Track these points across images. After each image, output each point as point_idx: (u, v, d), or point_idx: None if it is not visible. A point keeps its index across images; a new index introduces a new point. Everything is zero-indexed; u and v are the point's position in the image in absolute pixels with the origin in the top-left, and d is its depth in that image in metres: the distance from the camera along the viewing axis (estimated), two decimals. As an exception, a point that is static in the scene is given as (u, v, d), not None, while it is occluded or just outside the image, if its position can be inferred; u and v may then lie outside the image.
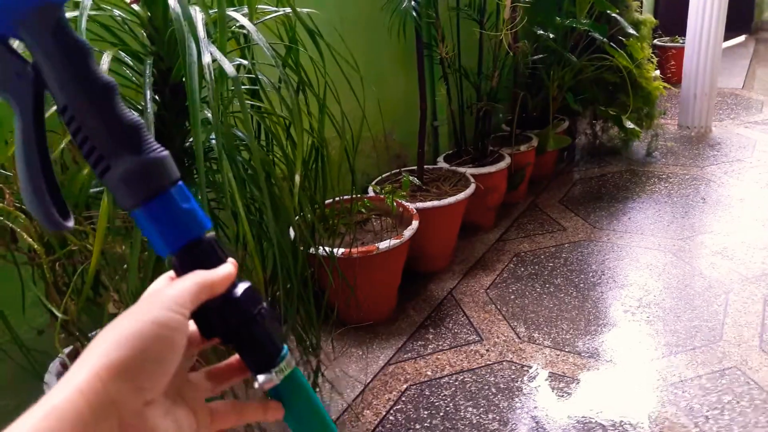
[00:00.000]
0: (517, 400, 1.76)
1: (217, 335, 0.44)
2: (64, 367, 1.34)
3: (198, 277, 0.41)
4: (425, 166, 2.65)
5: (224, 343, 0.44)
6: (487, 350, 1.99)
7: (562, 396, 1.76)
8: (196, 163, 0.97)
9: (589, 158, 3.85)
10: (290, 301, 1.39)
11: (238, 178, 1.06)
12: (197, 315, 0.42)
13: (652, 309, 2.15)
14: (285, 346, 0.45)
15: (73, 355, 1.39)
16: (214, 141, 1.16)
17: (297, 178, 1.09)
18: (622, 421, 1.64)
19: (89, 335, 1.23)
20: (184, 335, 0.40)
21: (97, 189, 1.13)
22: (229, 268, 0.43)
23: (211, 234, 0.44)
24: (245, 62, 1.30)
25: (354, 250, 1.94)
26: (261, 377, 0.44)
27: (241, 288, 0.44)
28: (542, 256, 2.60)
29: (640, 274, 2.40)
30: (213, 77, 0.97)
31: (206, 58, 0.97)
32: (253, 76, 1.30)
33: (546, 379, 1.83)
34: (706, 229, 2.74)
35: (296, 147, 1.10)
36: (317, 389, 1.54)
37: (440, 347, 2.03)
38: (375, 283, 2.11)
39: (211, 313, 0.42)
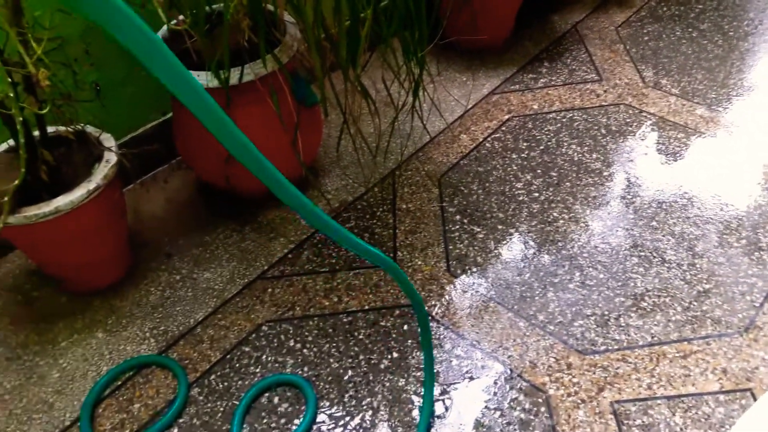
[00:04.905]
0: (626, 144, 1.63)
1: None
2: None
3: None
4: None
5: None
6: (605, 91, 1.82)
7: (679, 148, 1.61)
8: None
9: None
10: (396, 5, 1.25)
11: None
12: None
13: (812, 69, 1.84)
14: None
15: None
16: None
17: None
18: (732, 191, 1.50)
19: None
20: None
21: None
22: None
23: None
24: None
25: (474, -43, 1.71)
26: None
27: None
28: (692, -4, 2.22)
29: (809, 28, 2.02)
30: None
31: None
32: None
33: (664, 129, 1.67)
34: None
35: None
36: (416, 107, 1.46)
37: (552, 82, 1.87)
38: (491, 1, 1.90)
39: None
